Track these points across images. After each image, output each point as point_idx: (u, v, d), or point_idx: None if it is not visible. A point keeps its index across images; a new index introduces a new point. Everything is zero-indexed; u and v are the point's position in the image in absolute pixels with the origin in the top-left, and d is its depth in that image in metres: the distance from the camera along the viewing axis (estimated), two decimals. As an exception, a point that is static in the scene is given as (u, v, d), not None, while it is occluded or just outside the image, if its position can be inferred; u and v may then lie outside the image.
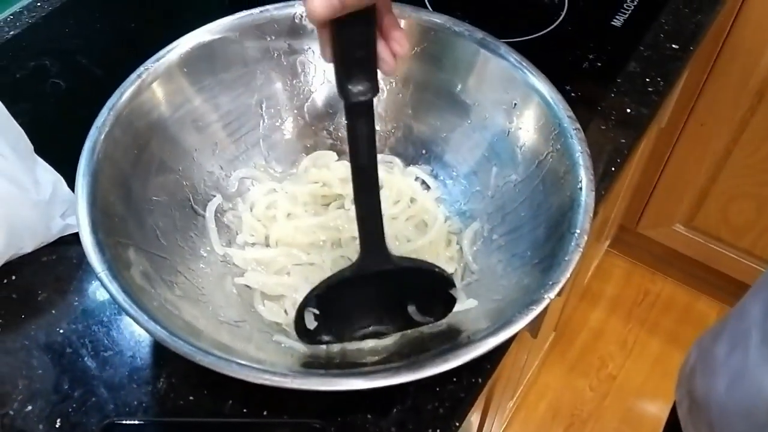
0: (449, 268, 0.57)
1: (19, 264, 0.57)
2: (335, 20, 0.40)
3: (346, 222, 0.58)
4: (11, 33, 0.74)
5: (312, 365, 0.51)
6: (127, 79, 0.56)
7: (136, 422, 0.49)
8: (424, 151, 0.63)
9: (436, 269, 0.51)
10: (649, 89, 0.71)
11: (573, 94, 0.69)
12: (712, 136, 1.16)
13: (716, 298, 1.45)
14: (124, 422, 0.49)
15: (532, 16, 0.79)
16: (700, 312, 1.45)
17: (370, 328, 0.52)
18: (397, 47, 0.44)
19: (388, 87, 0.63)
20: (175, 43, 0.58)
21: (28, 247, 0.57)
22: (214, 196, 0.59)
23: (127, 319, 0.54)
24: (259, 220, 0.60)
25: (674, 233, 1.33)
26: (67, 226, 0.58)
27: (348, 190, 0.53)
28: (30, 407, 0.50)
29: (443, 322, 0.53)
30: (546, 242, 0.52)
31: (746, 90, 1.08)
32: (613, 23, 0.78)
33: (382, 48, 0.44)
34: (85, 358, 0.52)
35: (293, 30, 0.61)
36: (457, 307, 0.52)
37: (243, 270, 0.57)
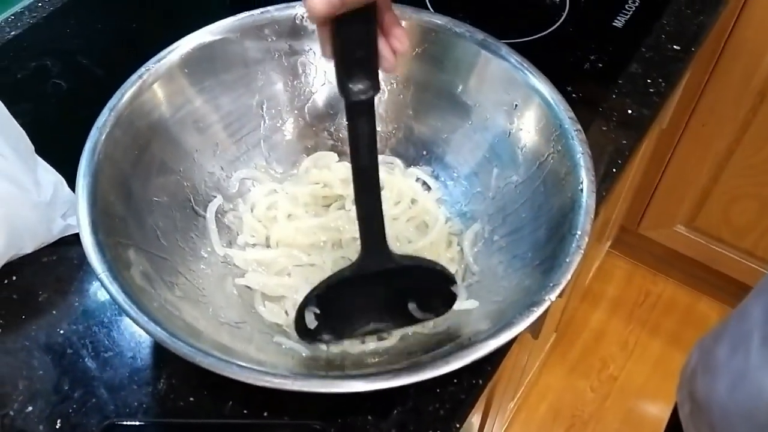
0: (450, 270, 0.57)
1: (20, 264, 0.57)
2: (335, 18, 0.40)
3: (346, 223, 0.58)
4: (12, 33, 0.74)
5: (313, 367, 0.51)
6: (128, 79, 0.56)
7: (137, 423, 0.49)
8: (425, 152, 0.63)
9: (438, 267, 0.51)
10: (651, 90, 0.71)
11: (574, 95, 0.69)
12: (714, 137, 1.16)
13: (717, 299, 1.45)
14: (124, 423, 0.49)
15: (533, 17, 0.79)
16: (702, 313, 1.44)
17: (371, 326, 0.52)
18: (397, 44, 0.44)
19: (389, 88, 0.63)
20: (176, 44, 0.58)
21: (29, 248, 0.57)
22: (215, 196, 0.59)
23: (127, 320, 0.54)
24: (259, 220, 0.59)
25: (675, 234, 1.33)
26: (67, 227, 0.58)
27: (349, 191, 0.53)
28: (30, 408, 0.50)
29: (444, 324, 0.53)
30: (547, 243, 0.52)
31: (748, 90, 1.07)
32: (614, 24, 0.78)
33: (382, 45, 0.44)
34: (86, 359, 0.52)
35: (294, 31, 0.61)
36: (457, 306, 0.52)
37: (243, 271, 0.57)
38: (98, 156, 0.52)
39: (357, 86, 0.43)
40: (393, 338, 0.53)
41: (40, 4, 0.77)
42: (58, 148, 0.58)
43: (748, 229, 1.24)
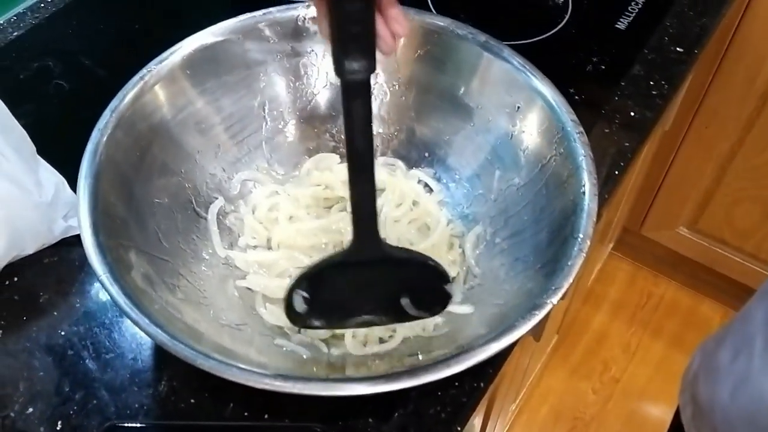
0: (451, 272, 0.57)
1: (21, 265, 0.57)
2: None
3: (348, 225, 0.58)
4: (15, 34, 0.74)
5: (314, 369, 0.51)
6: (130, 81, 0.56)
7: (137, 425, 0.49)
8: (426, 154, 0.63)
9: (431, 261, 0.49)
10: (653, 93, 0.71)
11: (576, 97, 0.68)
12: (717, 139, 1.15)
13: (720, 302, 1.44)
14: (125, 425, 0.49)
15: (535, 18, 0.79)
16: (704, 315, 1.44)
17: (363, 318, 0.51)
18: (397, 27, 0.44)
19: (391, 89, 0.63)
20: (177, 45, 0.58)
21: (30, 249, 0.56)
22: (217, 198, 0.59)
23: (128, 322, 0.53)
24: (261, 222, 0.59)
25: (678, 236, 1.33)
26: (69, 228, 0.58)
27: (350, 193, 0.53)
28: (31, 409, 0.50)
29: (446, 327, 0.53)
30: (549, 246, 0.52)
31: (751, 91, 1.07)
32: (617, 26, 0.78)
33: (380, 26, 0.43)
34: (87, 361, 0.52)
35: (296, 32, 0.61)
36: (452, 309, 0.52)
37: (245, 273, 0.57)
38: (100, 157, 0.52)
39: (353, 65, 0.41)
40: (394, 341, 0.53)
41: (42, 5, 0.77)
42: (60, 148, 0.58)
43: (751, 231, 1.24)
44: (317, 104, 0.64)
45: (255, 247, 0.59)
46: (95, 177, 0.51)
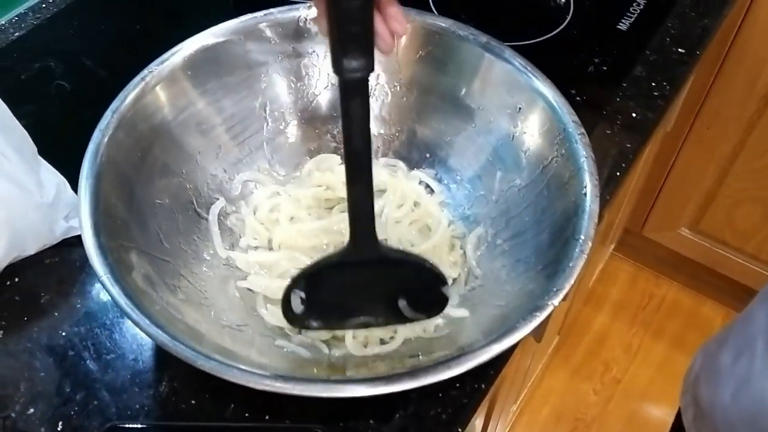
0: (453, 273, 0.57)
1: (22, 266, 0.57)
2: None
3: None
4: (16, 34, 0.75)
5: (314, 371, 0.51)
6: (131, 82, 0.56)
7: (138, 426, 0.49)
8: (428, 155, 0.63)
9: (427, 264, 0.49)
10: (655, 94, 0.71)
11: (578, 98, 0.68)
12: (719, 140, 1.15)
13: (721, 303, 1.44)
14: (125, 426, 0.49)
15: (537, 19, 0.79)
16: (705, 316, 1.44)
17: (361, 319, 0.51)
18: (396, 26, 0.44)
19: (392, 90, 0.63)
20: (179, 46, 0.58)
21: (31, 249, 0.56)
22: (218, 199, 0.59)
23: (129, 322, 0.53)
24: (262, 223, 0.59)
25: (679, 237, 1.32)
26: (70, 229, 0.58)
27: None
28: (32, 410, 0.50)
29: (447, 329, 0.53)
30: (550, 248, 0.52)
31: (753, 93, 1.07)
32: (618, 27, 0.78)
33: (379, 24, 0.43)
34: (88, 361, 0.52)
35: (297, 33, 0.61)
36: (449, 312, 0.52)
37: (246, 273, 0.57)
38: (101, 158, 0.52)
39: (351, 63, 0.41)
40: (395, 342, 0.53)
41: (43, 6, 0.78)
42: (61, 149, 0.58)
43: (752, 232, 1.24)
44: (318, 105, 0.64)
45: (256, 247, 0.59)
46: (96, 178, 0.51)
